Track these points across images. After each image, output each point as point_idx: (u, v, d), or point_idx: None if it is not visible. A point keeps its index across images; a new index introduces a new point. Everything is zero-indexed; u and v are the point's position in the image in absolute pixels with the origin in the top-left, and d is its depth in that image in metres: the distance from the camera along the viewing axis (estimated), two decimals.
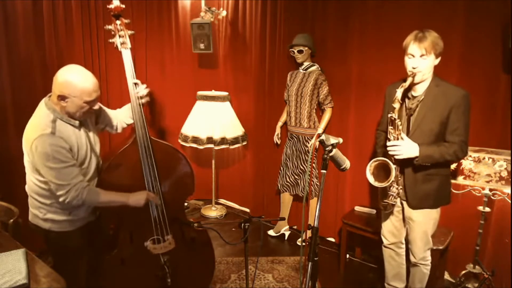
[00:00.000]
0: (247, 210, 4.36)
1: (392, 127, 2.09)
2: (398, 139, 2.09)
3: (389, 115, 2.07)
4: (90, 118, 2.08)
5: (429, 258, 2.39)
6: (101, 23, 3.55)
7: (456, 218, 2.80)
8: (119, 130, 2.32)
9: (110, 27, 2.17)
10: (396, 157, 2.10)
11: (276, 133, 3.74)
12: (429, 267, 2.40)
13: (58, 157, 1.81)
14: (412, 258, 2.39)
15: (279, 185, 3.68)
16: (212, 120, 3.84)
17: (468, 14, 2.66)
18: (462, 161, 2.48)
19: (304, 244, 3.25)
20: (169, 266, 2.17)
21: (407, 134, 2.15)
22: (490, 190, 2.52)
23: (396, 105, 2.05)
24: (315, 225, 1.57)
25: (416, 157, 2.07)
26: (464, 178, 2.52)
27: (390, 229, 2.44)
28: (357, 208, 3.30)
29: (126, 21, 2.19)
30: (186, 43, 4.18)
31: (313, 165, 3.40)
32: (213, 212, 4.22)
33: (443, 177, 2.21)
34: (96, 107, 1.94)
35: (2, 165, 3.03)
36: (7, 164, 3.01)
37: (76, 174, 1.88)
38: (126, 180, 2.14)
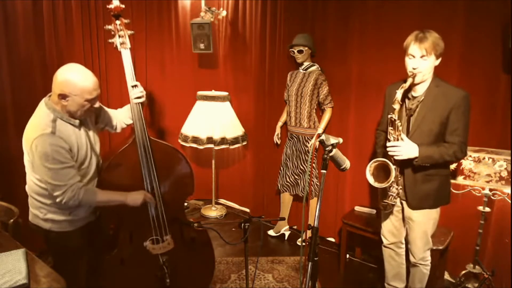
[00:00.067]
0: (247, 210, 4.36)
1: (392, 128, 2.09)
2: (398, 140, 2.09)
3: (389, 116, 2.07)
4: (90, 117, 2.08)
5: (429, 258, 2.39)
6: (101, 23, 3.55)
7: (456, 218, 2.80)
8: (119, 130, 2.32)
9: (109, 27, 2.17)
10: (396, 158, 2.10)
11: (276, 133, 3.74)
12: (428, 267, 2.40)
13: (57, 157, 1.81)
14: (411, 258, 2.39)
15: (279, 185, 3.68)
16: (212, 120, 3.84)
17: (468, 14, 2.66)
18: (462, 161, 2.48)
19: (304, 244, 3.25)
20: (168, 267, 2.17)
21: (407, 135, 2.15)
22: (490, 190, 2.52)
23: (396, 106, 2.05)
24: (315, 225, 1.57)
25: (416, 157, 2.07)
26: (464, 178, 2.52)
27: (390, 229, 2.45)
28: (357, 208, 3.30)
29: (125, 21, 2.19)
30: (186, 43, 4.18)
31: (313, 165, 3.40)
32: (213, 212, 4.22)
33: (442, 177, 2.21)
34: (96, 105, 1.94)
35: (2, 165, 3.03)
36: (7, 164, 3.01)
37: (73, 175, 1.88)
38: (126, 180, 2.14)
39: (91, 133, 2.06)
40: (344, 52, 3.31)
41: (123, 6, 2.17)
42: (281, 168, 3.64)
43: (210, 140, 3.82)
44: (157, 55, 4.15)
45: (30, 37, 3.16)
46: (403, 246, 2.49)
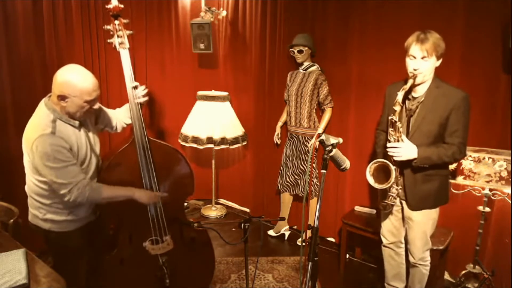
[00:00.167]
0: (247, 210, 4.36)
1: (392, 129, 2.09)
2: (398, 141, 2.09)
3: (390, 118, 2.07)
4: (90, 118, 2.08)
5: (428, 258, 2.39)
6: (101, 23, 3.55)
7: (456, 218, 2.80)
8: (119, 130, 2.32)
9: (108, 27, 2.17)
10: (395, 159, 2.11)
11: (276, 133, 3.74)
12: (428, 268, 2.40)
13: (58, 157, 1.81)
14: (411, 259, 2.39)
15: (279, 185, 3.68)
16: (212, 120, 3.84)
17: (468, 14, 2.66)
18: (462, 161, 2.47)
19: (304, 244, 3.25)
20: (167, 267, 2.17)
21: (407, 135, 2.15)
22: (490, 190, 2.52)
23: (397, 108, 2.05)
24: (315, 225, 1.57)
25: (415, 158, 2.07)
26: (464, 178, 2.52)
27: (389, 229, 2.45)
28: (357, 208, 3.30)
29: (124, 21, 2.18)
30: (186, 43, 4.18)
31: (313, 165, 3.40)
32: (213, 212, 4.22)
33: (442, 177, 2.21)
34: (96, 106, 1.94)
35: (2, 165, 3.03)
36: (7, 164, 3.01)
37: (77, 172, 1.88)
38: (125, 180, 2.13)
39: (90, 134, 2.05)
40: (344, 52, 3.31)
41: (121, 6, 2.16)
42: (281, 168, 3.64)
43: (210, 140, 3.81)
44: (157, 55, 4.15)
45: (30, 37, 3.16)
46: (403, 246, 2.49)
